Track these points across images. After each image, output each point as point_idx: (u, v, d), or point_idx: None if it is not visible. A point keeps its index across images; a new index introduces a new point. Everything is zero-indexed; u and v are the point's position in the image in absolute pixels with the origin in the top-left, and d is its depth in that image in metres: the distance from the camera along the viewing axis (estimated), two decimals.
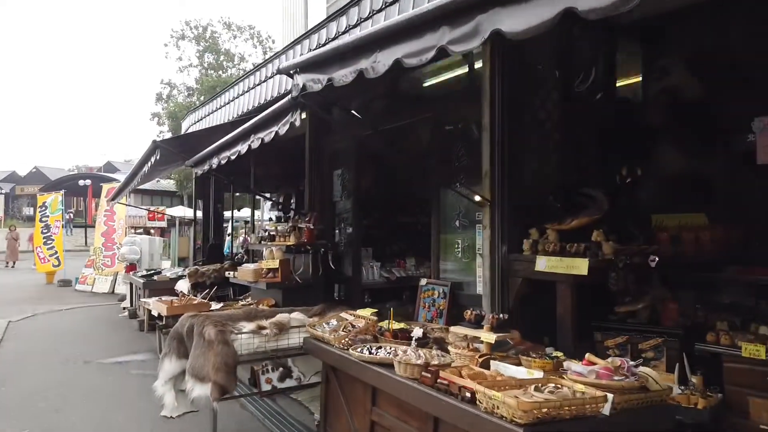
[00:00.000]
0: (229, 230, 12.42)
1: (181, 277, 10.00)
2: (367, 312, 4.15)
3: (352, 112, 5.21)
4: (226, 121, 7.78)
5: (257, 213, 19.01)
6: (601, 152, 4.86)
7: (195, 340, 4.02)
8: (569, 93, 4.94)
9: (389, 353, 3.39)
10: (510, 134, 4.51)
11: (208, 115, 8.86)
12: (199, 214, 12.36)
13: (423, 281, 5.45)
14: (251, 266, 6.50)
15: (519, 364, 3.13)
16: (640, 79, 5.03)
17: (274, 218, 12.59)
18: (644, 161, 4.77)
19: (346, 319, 4.22)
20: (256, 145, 4.62)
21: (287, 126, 4.00)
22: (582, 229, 4.21)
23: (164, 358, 4.29)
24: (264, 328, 4.09)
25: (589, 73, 4.99)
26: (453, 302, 5.07)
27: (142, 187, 12.95)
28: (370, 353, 3.42)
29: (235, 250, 12.91)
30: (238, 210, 16.76)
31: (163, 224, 18.48)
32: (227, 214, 11.93)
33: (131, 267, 12.08)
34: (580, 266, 3.81)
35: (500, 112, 4.48)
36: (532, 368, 2.99)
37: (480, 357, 3.16)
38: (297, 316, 4.42)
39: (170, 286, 9.77)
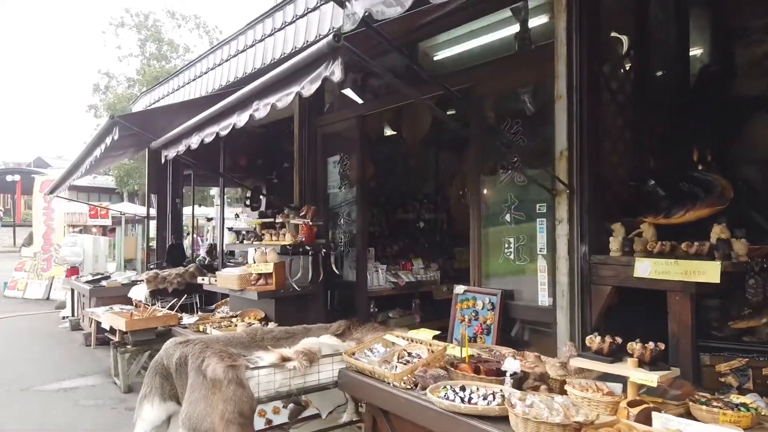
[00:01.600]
0: (188, 229, 11.05)
1: (135, 282, 8.64)
2: (426, 334, 3.13)
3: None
4: (199, 95, 6.55)
5: (205, 210, 17.54)
6: (683, 130, 4.04)
7: (192, 378, 2.88)
8: (646, 62, 4.10)
9: (487, 399, 2.39)
10: (589, 107, 3.60)
11: (171, 93, 7.56)
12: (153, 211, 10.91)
13: (459, 288, 4.46)
14: (235, 271, 5.34)
15: (686, 414, 2.19)
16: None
17: (241, 216, 11.36)
18: (735, 139, 3.97)
19: (396, 344, 3.18)
20: (262, 113, 3.49)
21: (317, 83, 2.92)
22: (691, 224, 3.34)
23: (143, 402, 3.11)
24: (288, 359, 2.99)
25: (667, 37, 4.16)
26: (504, 315, 4.11)
27: (77, 183, 11.34)
28: (461, 399, 2.41)
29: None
30: (198, 206, 15.25)
31: (107, 222, 16.68)
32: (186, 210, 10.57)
33: (73, 270, 10.52)
34: (709, 271, 2.92)
35: (578, 77, 3.56)
36: (721, 423, 2.06)
37: (632, 406, 2.20)
38: (327, 340, 3.34)
39: (122, 293, 8.41)
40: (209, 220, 13.15)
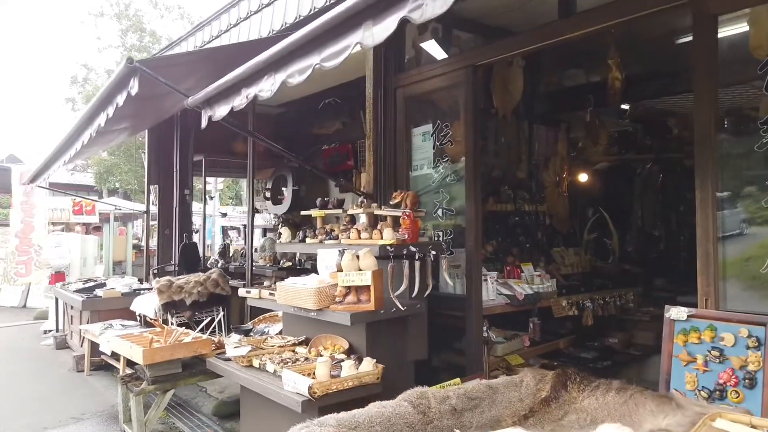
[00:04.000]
0: (197, 226, 9.31)
1: (138, 292, 6.97)
2: None
3: None
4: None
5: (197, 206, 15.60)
6: None
7: None
8: None
9: None
10: None
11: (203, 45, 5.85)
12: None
13: (678, 313, 2.92)
14: (310, 282, 3.73)
15: None
16: None
17: (263, 211, 9.68)
18: None
19: None
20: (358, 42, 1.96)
21: None
22: None
23: None
24: None
25: None
26: None
27: (54, 180, 9.60)
28: None
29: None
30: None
31: (94, 219, 14.81)
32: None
33: (58, 276, 8.77)
34: None
35: None
36: None
37: None
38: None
39: (123, 306, 6.73)
40: (224, 215, 11.43)
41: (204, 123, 3.78)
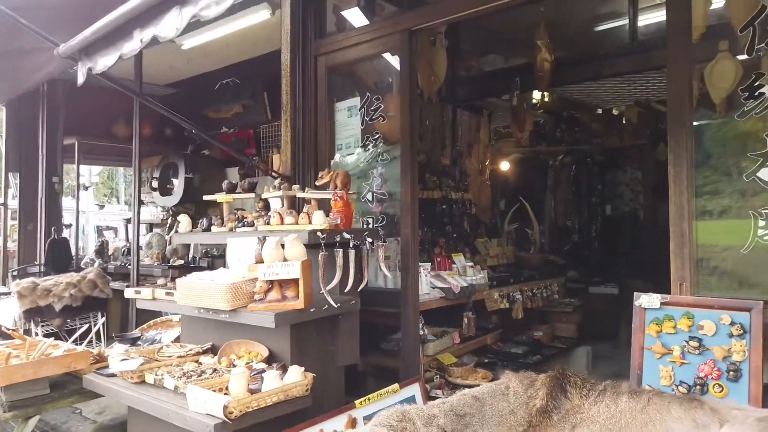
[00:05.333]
0: (71, 221, 7.97)
1: None
2: None
3: None
4: None
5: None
6: None
7: None
8: None
9: None
10: None
11: None
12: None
13: (649, 300, 2.64)
14: (222, 278, 3.05)
15: None
16: None
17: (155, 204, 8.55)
18: None
19: None
20: None
21: None
22: None
23: None
24: None
25: None
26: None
27: None
28: None
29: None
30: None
31: None
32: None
33: None
34: None
35: None
36: None
37: None
38: None
39: None
40: (102, 207, 10.03)
41: (81, 78, 2.98)
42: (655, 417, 1.61)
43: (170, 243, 7.34)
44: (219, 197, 3.86)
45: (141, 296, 3.64)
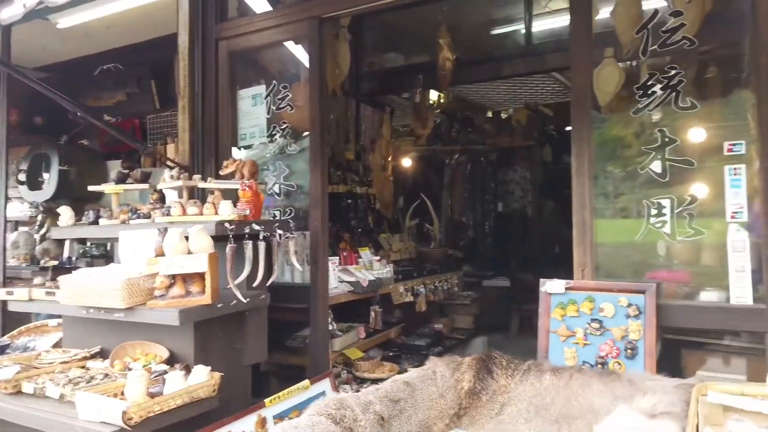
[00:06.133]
0: None
1: None
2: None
3: None
4: None
5: None
6: None
7: None
8: None
9: None
10: None
11: None
12: None
13: (555, 285, 2.78)
14: (114, 273, 2.76)
15: None
16: None
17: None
18: None
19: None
20: None
21: None
22: None
23: None
24: None
25: None
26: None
27: None
28: None
29: None
30: None
31: None
32: None
33: None
34: None
35: None
36: None
37: None
38: None
39: None
40: None
41: None
42: (578, 392, 1.68)
43: (41, 242, 6.64)
44: (108, 188, 3.53)
45: (15, 297, 3.22)
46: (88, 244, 6.24)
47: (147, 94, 6.60)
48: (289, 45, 3.84)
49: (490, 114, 7.51)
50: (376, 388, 1.69)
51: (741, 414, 1.39)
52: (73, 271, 4.24)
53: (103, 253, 5.76)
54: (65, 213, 3.52)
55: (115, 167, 6.96)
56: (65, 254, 6.47)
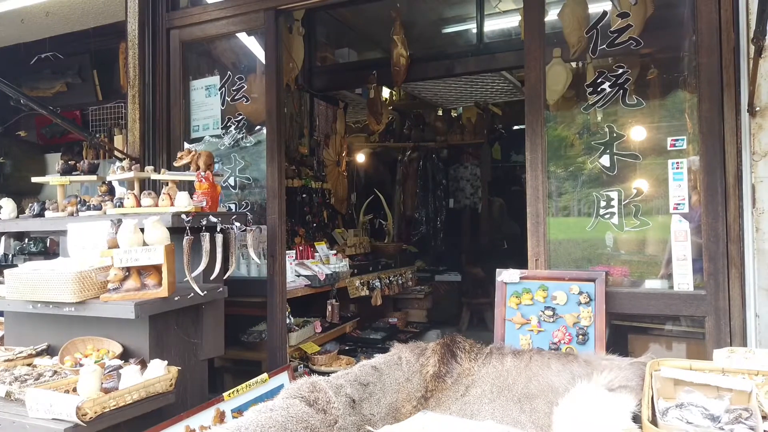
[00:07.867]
0: None
1: None
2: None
3: None
4: None
5: None
6: None
7: None
8: None
9: None
10: None
11: None
12: None
13: (510, 275, 2.87)
14: (64, 266, 2.66)
15: None
16: None
17: None
18: None
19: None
20: None
21: None
22: None
23: None
24: None
25: None
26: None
27: None
28: None
29: None
30: None
31: None
32: None
33: None
34: None
35: None
36: None
37: None
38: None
39: None
40: None
41: None
42: (538, 372, 1.75)
43: None
44: (54, 179, 3.38)
45: None
46: (26, 240, 5.96)
47: (89, 84, 6.36)
48: (243, 36, 3.79)
49: (440, 112, 7.63)
50: (345, 372, 1.72)
51: (690, 386, 1.50)
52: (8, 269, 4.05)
53: (42, 250, 5.51)
54: (7, 205, 3.35)
55: (54, 160, 6.69)
56: (1, 251, 6.19)
